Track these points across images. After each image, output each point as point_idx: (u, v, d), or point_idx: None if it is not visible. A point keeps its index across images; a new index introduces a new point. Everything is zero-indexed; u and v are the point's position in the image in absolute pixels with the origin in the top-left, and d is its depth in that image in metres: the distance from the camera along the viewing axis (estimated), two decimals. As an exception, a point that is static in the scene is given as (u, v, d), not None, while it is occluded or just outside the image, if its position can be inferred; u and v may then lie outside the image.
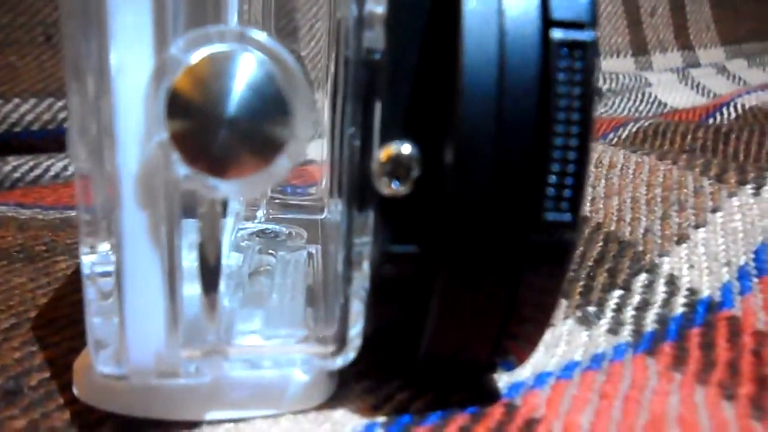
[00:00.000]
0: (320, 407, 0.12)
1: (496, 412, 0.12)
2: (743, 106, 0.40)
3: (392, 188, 0.10)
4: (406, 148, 0.10)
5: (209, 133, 0.09)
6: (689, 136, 0.32)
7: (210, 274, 0.11)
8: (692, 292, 0.16)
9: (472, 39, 0.09)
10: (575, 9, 0.09)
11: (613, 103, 0.47)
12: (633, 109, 0.46)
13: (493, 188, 0.09)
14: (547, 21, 0.09)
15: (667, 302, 0.15)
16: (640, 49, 0.59)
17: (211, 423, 0.12)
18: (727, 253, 0.16)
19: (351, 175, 0.10)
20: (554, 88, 0.09)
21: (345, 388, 0.13)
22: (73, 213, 0.25)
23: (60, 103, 0.34)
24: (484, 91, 0.09)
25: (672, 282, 0.16)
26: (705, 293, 0.15)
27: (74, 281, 0.17)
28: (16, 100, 0.34)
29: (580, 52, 0.09)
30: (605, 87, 0.49)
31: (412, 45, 0.10)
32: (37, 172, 0.32)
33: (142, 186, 0.10)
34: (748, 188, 0.18)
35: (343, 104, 0.10)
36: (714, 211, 0.18)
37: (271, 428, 0.12)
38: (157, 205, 0.10)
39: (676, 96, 0.49)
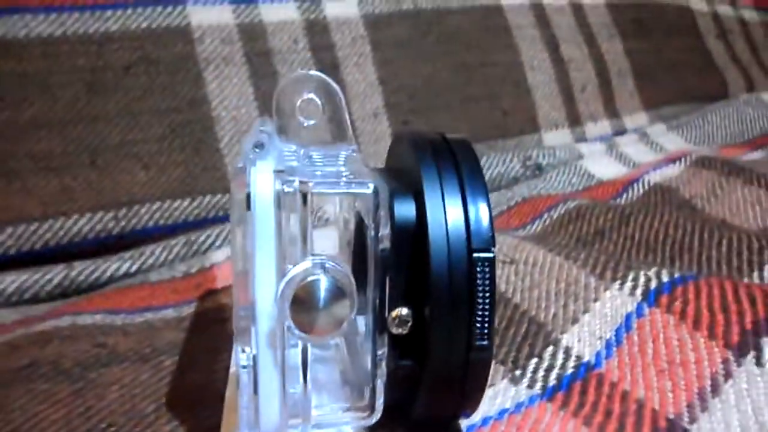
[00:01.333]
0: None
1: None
2: (649, 182, 0.50)
3: (398, 330, 0.19)
4: (405, 311, 0.19)
5: (309, 315, 0.18)
6: (601, 218, 0.42)
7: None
8: (578, 358, 0.25)
9: (436, 257, 0.18)
10: (484, 241, 0.19)
11: (551, 177, 0.57)
12: (567, 182, 0.57)
13: (451, 330, 0.18)
14: (470, 249, 0.18)
15: (563, 366, 0.25)
16: (574, 121, 0.70)
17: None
18: (600, 331, 0.26)
19: (374, 319, 0.19)
20: (475, 280, 0.18)
21: (372, 434, 0.22)
22: (146, 315, 0.33)
23: (110, 214, 0.43)
24: (443, 282, 0.18)
25: (567, 352, 0.26)
26: (586, 358, 0.25)
27: (185, 378, 0.26)
28: (75, 216, 0.43)
29: (488, 263, 0.18)
30: (544, 162, 0.60)
31: (403, 252, 0.19)
32: (98, 274, 0.40)
33: (269, 329, 0.19)
34: (617, 284, 0.28)
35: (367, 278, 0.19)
36: (595, 300, 0.27)
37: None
38: (276, 341, 0.19)
39: (602, 167, 0.59)
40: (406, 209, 0.20)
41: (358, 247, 0.21)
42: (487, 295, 0.18)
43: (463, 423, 0.22)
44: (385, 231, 0.19)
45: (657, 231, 0.39)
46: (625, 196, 0.50)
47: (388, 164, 0.24)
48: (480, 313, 0.18)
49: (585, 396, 0.23)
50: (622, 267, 0.29)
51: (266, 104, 0.51)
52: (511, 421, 0.22)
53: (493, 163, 0.57)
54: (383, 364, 0.20)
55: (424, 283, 0.19)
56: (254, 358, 0.19)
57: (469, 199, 0.19)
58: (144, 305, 0.34)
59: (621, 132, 0.72)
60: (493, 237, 0.19)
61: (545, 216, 0.45)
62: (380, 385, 0.20)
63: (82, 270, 0.40)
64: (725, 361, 0.22)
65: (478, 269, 0.18)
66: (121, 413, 0.24)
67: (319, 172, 0.19)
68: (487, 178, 0.56)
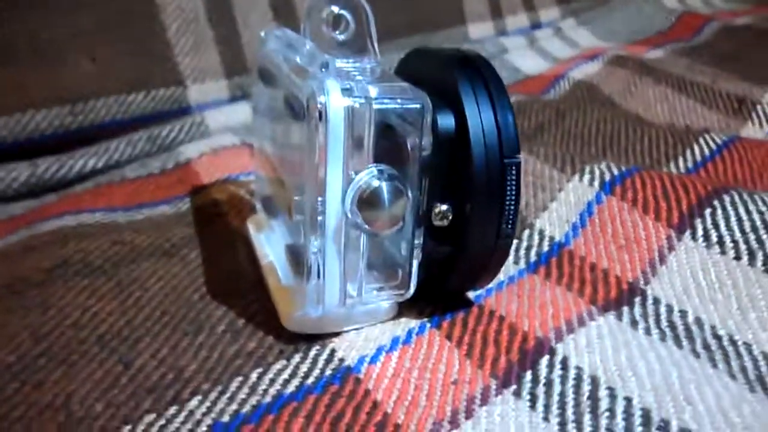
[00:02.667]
0: (393, 318, 0.26)
1: (474, 311, 0.26)
2: (573, 79, 0.56)
3: (440, 223, 0.23)
4: (445, 206, 0.23)
5: (376, 214, 0.21)
6: (540, 114, 0.47)
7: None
8: (551, 238, 0.30)
9: (477, 163, 0.22)
10: (512, 149, 0.22)
11: (483, 71, 0.61)
12: (497, 76, 0.61)
13: (486, 222, 0.23)
14: (502, 155, 0.22)
15: (539, 245, 0.30)
16: (496, 14, 0.73)
17: (347, 331, 0.25)
18: (567, 215, 0.31)
19: (416, 213, 0.23)
20: (506, 181, 0.22)
21: (402, 308, 0.26)
22: (143, 212, 0.34)
23: (66, 108, 0.42)
24: (482, 184, 0.22)
25: (541, 233, 0.31)
26: (557, 238, 0.30)
27: (214, 269, 0.28)
28: (31, 111, 0.41)
29: (516, 167, 0.22)
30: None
31: (442, 157, 0.23)
32: (64, 171, 0.40)
33: (336, 225, 0.22)
34: (576, 176, 0.33)
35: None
36: (560, 190, 0.33)
37: (372, 328, 0.25)
38: (341, 227, 0.22)
39: (526, 61, 0.64)
40: (446, 121, 0.23)
41: (391, 151, 0.24)
42: (514, 193, 0.23)
43: (471, 294, 0.27)
44: (428, 140, 0.22)
45: (590, 126, 0.45)
46: (552, 91, 0.55)
47: (408, 74, 0.27)
48: (509, 207, 0.23)
49: (561, 268, 0.28)
50: (578, 161, 0.34)
51: (211, -9, 0.50)
52: (510, 290, 0.27)
53: (431, 57, 0.60)
54: (418, 249, 0.24)
55: (464, 184, 0.22)
56: (323, 246, 0.22)
57: (498, 113, 0.23)
58: (136, 202, 0.35)
59: (537, 25, 0.77)
60: (518, 145, 0.23)
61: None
62: (416, 267, 0.24)
63: (48, 167, 0.39)
64: (668, 238, 0.28)
65: (509, 172, 0.22)
66: (170, 302, 0.26)
67: (374, 89, 0.22)
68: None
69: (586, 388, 0.21)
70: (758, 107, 0.47)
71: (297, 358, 0.23)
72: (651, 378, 0.21)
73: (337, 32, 0.25)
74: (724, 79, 0.51)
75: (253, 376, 0.22)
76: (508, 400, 0.21)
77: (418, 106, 0.22)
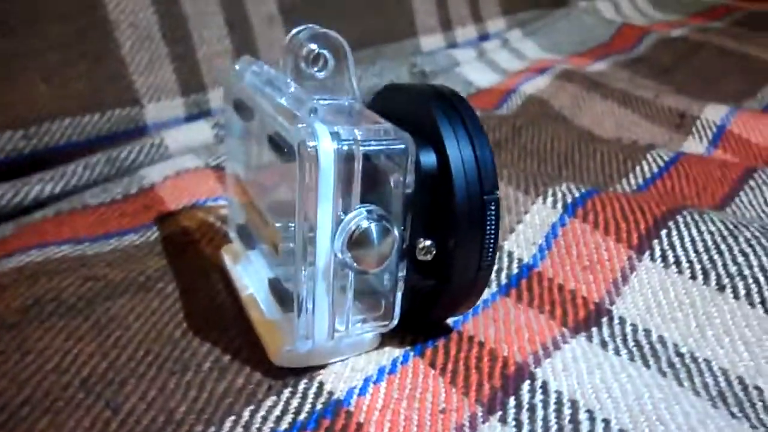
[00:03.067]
0: (376, 348, 0.26)
1: (454, 338, 0.27)
2: (524, 93, 0.58)
3: (424, 257, 0.24)
4: (428, 242, 0.24)
5: (364, 253, 0.22)
6: (497, 131, 0.49)
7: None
8: (519, 260, 0.32)
9: (459, 200, 0.23)
10: (491, 185, 0.23)
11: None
12: (451, 90, 0.62)
13: (468, 254, 0.24)
14: (482, 192, 0.23)
15: (509, 267, 0.31)
16: (446, 26, 0.75)
17: (333, 363, 0.25)
18: (533, 237, 0.33)
19: (398, 249, 0.24)
20: (488, 213, 0.23)
21: (385, 337, 0.27)
22: (111, 242, 0.34)
23: (19, 133, 0.41)
24: (465, 220, 0.23)
25: (510, 256, 0.32)
26: (525, 260, 0.32)
27: (193, 302, 0.28)
28: None
29: (495, 202, 0.23)
30: (428, 69, 0.65)
31: (423, 194, 0.24)
32: (20, 197, 0.39)
33: (325, 264, 0.22)
34: (540, 199, 0.34)
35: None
36: (525, 212, 0.34)
37: (357, 358, 0.26)
38: (330, 267, 0.22)
39: (477, 74, 0.66)
40: (428, 159, 0.24)
41: (375, 188, 0.25)
42: (494, 227, 0.24)
43: (449, 320, 0.28)
44: (411, 178, 0.23)
45: (545, 143, 0.47)
46: (505, 105, 0.57)
47: (384, 111, 0.27)
48: (489, 240, 0.24)
49: (532, 291, 0.30)
50: (540, 183, 0.36)
51: (164, 10, 0.49)
52: (486, 315, 0.28)
53: (385, 72, 0.61)
54: (402, 281, 0.24)
55: (447, 219, 0.23)
56: (312, 284, 0.22)
57: (477, 150, 0.24)
58: (102, 231, 0.35)
59: (485, 36, 0.79)
60: (496, 181, 0.24)
61: (446, 127, 0.51)
62: (399, 299, 0.25)
63: (3, 194, 0.38)
64: (629, 258, 0.30)
65: (489, 208, 0.23)
66: (152, 340, 0.26)
67: (359, 132, 0.22)
68: (379, 86, 0.60)
69: (566, 411, 0.22)
70: (698, 122, 0.50)
71: (287, 393, 0.24)
72: (625, 399, 0.23)
73: (316, 70, 0.26)
74: (666, 94, 0.55)
75: (245, 414, 0.23)
76: (495, 427, 0.22)
77: (402, 146, 0.22)
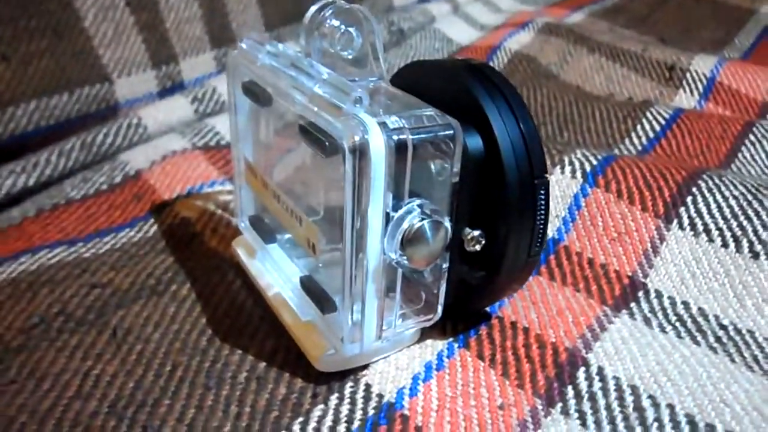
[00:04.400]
0: (417, 342, 0.25)
1: (496, 325, 0.26)
2: (510, 50, 0.56)
3: (473, 248, 0.22)
4: (477, 232, 0.22)
5: (417, 251, 0.20)
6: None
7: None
8: (545, 235, 0.31)
9: (511, 186, 0.22)
10: (541, 168, 0.22)
11: (415, 43, 0.60)
12: (431, 48, 0.60)
13: (519, 243, 0.22)
14: (533, 176, 0.22)
15: (535, 243, 0.30)
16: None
17: (375, 361, 0.24)
18: (556, 210, 0.32)
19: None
20: (540, 198, 0.22)
21: (424, 329, 0.25)
22: (106, 240, 0.31)
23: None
24: (515, 206, 0.22)
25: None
26: (550, 235, 0.31)
27: (212, 304, 0.26)
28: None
29: (546, 186, 0.22)
30: (406, 26, 0.62)
31: (471, 178, 0.22)
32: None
33: (375, 264, 0.21)
34: (558, 169, 0.33)
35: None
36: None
37: (400, 354, 0.24)
38: (381, 268, 0.21)
39: (455, 31, 0.63)
40: (474, 143, 0.22)
41: (420, 178, 0.23)
42: (544, 211, 0.22)
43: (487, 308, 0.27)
44: (458, 165, 0.21)
45: (541, 104, 0.45)
46: (492, 63, 0.55)
47: (411, 89, 0.25)
48: (539, 227, 0.23)
49: (562, 267, 0.29)
50: (554, 151, 0.35)
51: (128, -29, 0.44)
52: (523, 297, 0.27)
53: (364, 31, 0.58)
54: (446, 274, 0.23)
55: (497, 208, 0.22)
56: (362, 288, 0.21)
57: (524, 130, 0.22)
58: (93, 228, 0.32)
59: (455, -12, 0.76)
60: (545, 163, 0.22)
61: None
62: (443, 292, 0.23)
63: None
64: (658, 228, 0.30)
65: (539, 192, 0.22)
66: (177, 352, 0.24)
67: (407, 121, 0.20)
68: (361, 47, 0.57)
69: (629, 399, 0.22)
70: (687, 75, 0.50)
71: (334, 399, 0.22)
72: (685, 381, 0.22)
73: (341, 48, 0.23)
74: (653, 47, 0.54)
75: (296, 428, 0.21)
76: (559, 420, 0.21)
77: (451, 132, 0.21)
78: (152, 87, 0.46)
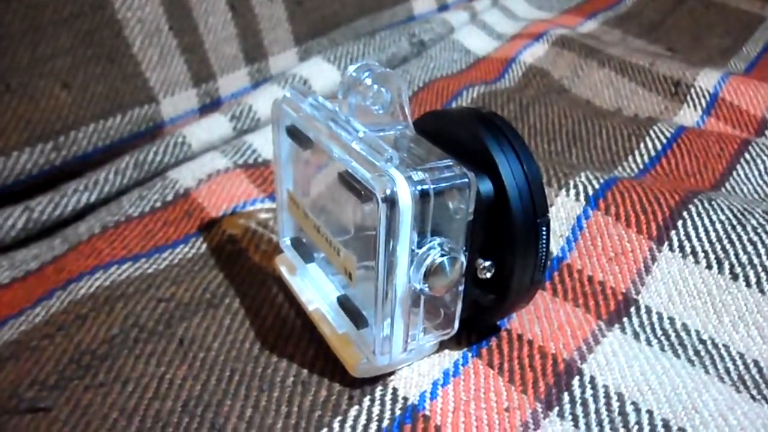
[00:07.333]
0: (436, 351, 0.29)
1: (504, 337, 0.30)
2: (524, 64, 0.60)
3: (484, 276, 0.26)
4: (488, 263, 0.26)
5: (438, 281, 0.24)
6: (506, 109, 0.51)
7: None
8: (551, 254, 0.35)
9: (518, 225, 0.26)
10: (543, 209, 0.26)
11: (435, 54, 0.63)
12: (450, 59, 0.63)
13: (523, 272, 0.26)
14: (536, 216, 0.26)
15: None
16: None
17: (401, 369, 0.28)
18: (560, 230, 0.36)
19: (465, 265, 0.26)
20: (542, 235, 0.26)
21: (443, 343, 0.30)
22: (164, 256, 0.36)
23: (49, 145, 0.41)
24: (520, 242, 0.26)
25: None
26: (554, 253, 0.35)
27: (260, 317, 0.31)
28: (15, 153, 0.40)
29: (547, 224, 0.26)
30: (426, 37, 0.65)
31: (483, 217, 0.26)
32: (59, 211, 0.40)
33: (402, 292, 0.25)
34: (563, 191, 0.37)
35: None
36: (551, 205, 0.37)
37: (420, 362, 0.29)
38: (407, 295, 0.25)
39: (474, 41, 0.67)
40: (485, 187, 0.26)
41: (440, 217, 0.26)
42: (546, 244, 0.26)
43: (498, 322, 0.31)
44: (473, 207, 0.25)
45: (552, 120, 0.49)
46: (507, 76, 0.58)
47: (430, 136, 0.29)
48: (541, 256, 0.26)
49: (564, 283, 0.33)
50: (561, 173, 0.38)
51: (170, 1, 0.49)
52: (529, 312, 0.31)
53: (386, 44, 0.61)
54: (462, 295, 0.27)
55: (505, 242, 0.26)
56: (390, 312, 0.25)
57: (529, 176, 0.26)
58: (152, 245, 0.36)
59: (475, -5, 0.79)
60: (546, 204, 0.26)
61: (453, 105, 0.53)
62: (459, 310, 0.27)
63: (43, 209, 0.39)
64: (651, 249, 0.33)
65: (542, 230, 0.26)
66: (235, 359, 0.28)
67: (430, 174, 0.24)
68: (383, 60, 0.61)
69: (615, 405, 0.26)
70: (692, 90, 0.53)
71: (367, 401, 0.27)
72: (663, 390, 0.26)
73: (371, 103, 0.27)
74: (661, 60, 0.57)
75: (336, 426, 0.26)
76: (555, 421, 0.26)
77: (466, 180, 0.25)
78: (193, 104, 0.50)
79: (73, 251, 0.36)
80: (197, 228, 0.38)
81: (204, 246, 0.36)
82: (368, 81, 0.27)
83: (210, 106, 0.52)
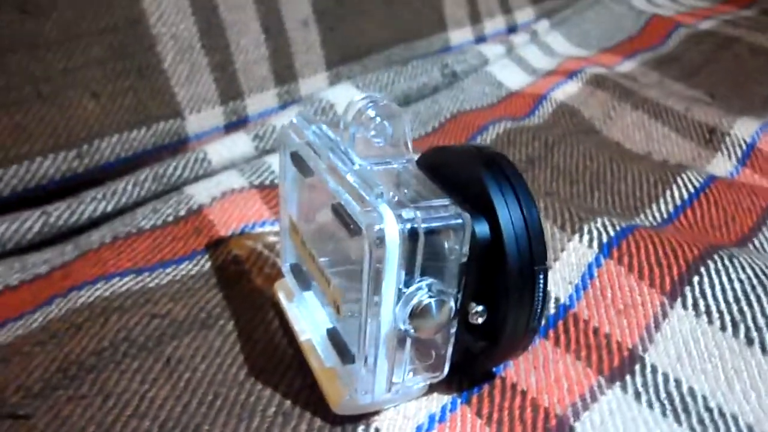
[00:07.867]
0: (425, 394, 0.28)
1: (497, 385, 0.29)
2: (555, 101, 0.59)
3: (476, 321, 0.25)
4: (480, 307, 0.25)
5: (424, 323, 0.24)
6: (530, 147, 0.50)
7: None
8: (557, 300, 0.34)
9: (512, 271, 0.25)
10: (542, 257, 0.25)
11: (467, 86, 0.63)
12: (481, 92, 0.63)
13: (517, 320, 0.25)
14: (533, 263, 0.25)
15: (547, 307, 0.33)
16: (475, 19, 0.74)
17: (386, 409, 0.27)
18: (570, 277, 0.34)
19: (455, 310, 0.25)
20: (538, 283, 0.25)
21: (433, 386, 0.29)
22: (168, 271, 0.36)
23: (73, 152, 0.42)
24: (517, 289, 0.25)
25: (547, 295, 0.34)
26: (562, 300, 0.33)
27: (252, 341, 0.30)
28: (39, 159, 0.41)
29: (545, 272, 0.25)
30: (459, 68, 0.65)
31: (477, 260, 0.25)
32: (75, 217, 0.40)
33: (388, 331, 0.24)
34: (576, 236, 0.36)
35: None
36: (562, 250, 0.36)
37: (407, 403, 0.28)
38: (392, 334, 0.24)
39: (507, 74, 0.66)
40: (481, 229, 0.25)
41: (432, 257, 0.26)
42: (542, 295, 0.25)
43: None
44: (467, 249, 0.25)
45: (577, 162, 0.48)
46: (537, 112, 0.57)
47: (432, 172, 0.28)
48: (537, 305, 0.25)
49: (568, 333, 0.32)
50: (576, 218, 0.37)
51: (204, 20, 0.50)
52: (527, 360, 0.30)
53: (418, 74, 0.61)
54: (453, 338, 0.26)
55: (499, 288, 0.25)
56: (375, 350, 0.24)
57: (528, 221, 0.25)
58: (157, 259, 0.36)
59: (513, 28, 0.78)
60: (545, 252, 0.25)
61: (478, 140, 0.52)
62: (449, 353, 0.27)
63: (60, 215, 0.40)
64: (662, 305, 0.32)
65: (539, 278, 0.25)
66: (219, 383, 0.28)
67: (421, 213, 0.24)
68: (413, 88, 0.60)
69: (605, 469, 0.25)
70: (727, 139, 0.51)
71: (346, 440, 0.26)
72: (659, 458, 0.25)
73: (373, 135, 0.27)
74: (697, 106, 0.55)
75: (311, 462, 0.25)
76: (539, 481, 0.24)
77: (460, 221, 0.24)
78: (219, 122, 0.51)
79: (81, 259, 0.36)
80: (204, 245, 0.38)
81: (208, 264, 0.36)
82: (371, 113, 0.26)
83: (236, 123, 0.52)
